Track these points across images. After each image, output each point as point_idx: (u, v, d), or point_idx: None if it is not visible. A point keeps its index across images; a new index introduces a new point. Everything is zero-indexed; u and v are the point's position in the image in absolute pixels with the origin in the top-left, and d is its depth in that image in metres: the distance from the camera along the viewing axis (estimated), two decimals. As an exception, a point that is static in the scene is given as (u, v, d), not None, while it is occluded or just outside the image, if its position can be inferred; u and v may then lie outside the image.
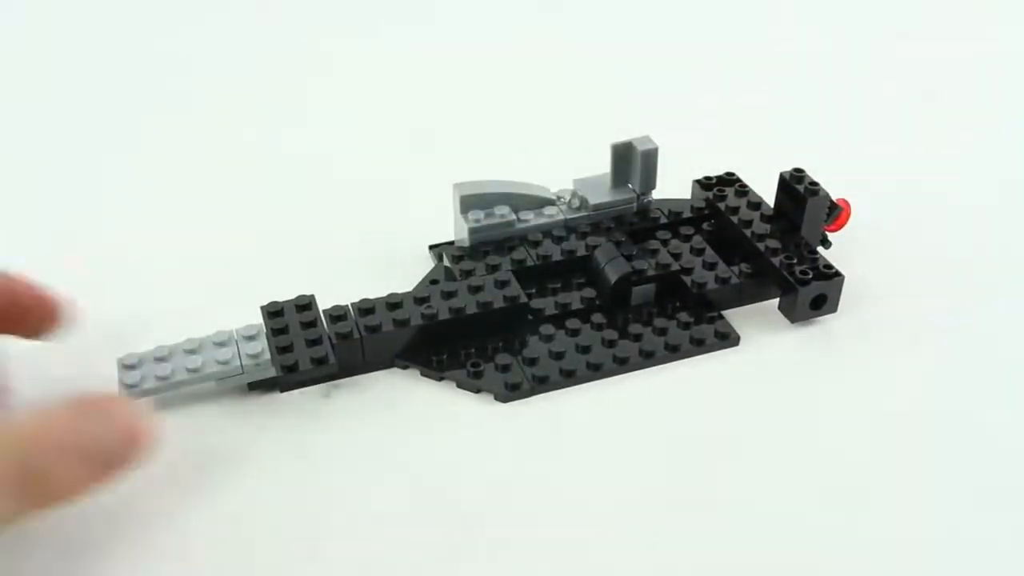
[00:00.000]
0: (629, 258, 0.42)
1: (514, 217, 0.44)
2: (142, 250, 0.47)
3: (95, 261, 0.46)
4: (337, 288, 0.40)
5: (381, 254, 0.46)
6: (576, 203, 0.45)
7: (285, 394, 0.38)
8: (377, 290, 0.40)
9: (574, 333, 0.40)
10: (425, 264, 0.45)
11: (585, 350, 0.40)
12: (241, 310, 0.39)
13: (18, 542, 0.32)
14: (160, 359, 0.37)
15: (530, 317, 0.41)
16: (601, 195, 0.45)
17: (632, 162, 0.44)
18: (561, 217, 0.44)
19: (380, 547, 0.32)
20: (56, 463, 0.29)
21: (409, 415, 0.38)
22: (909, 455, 0.36)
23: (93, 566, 0.32)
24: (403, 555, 0.32)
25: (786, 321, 0.41)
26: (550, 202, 0.45)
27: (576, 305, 0.41)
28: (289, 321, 0.38)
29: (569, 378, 0.39)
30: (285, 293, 0.40)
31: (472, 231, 0.43)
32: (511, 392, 0.38)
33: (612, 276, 0.41)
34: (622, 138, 0.44)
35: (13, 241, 0.47)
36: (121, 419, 0.31)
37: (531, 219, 0.44)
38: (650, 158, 0.43)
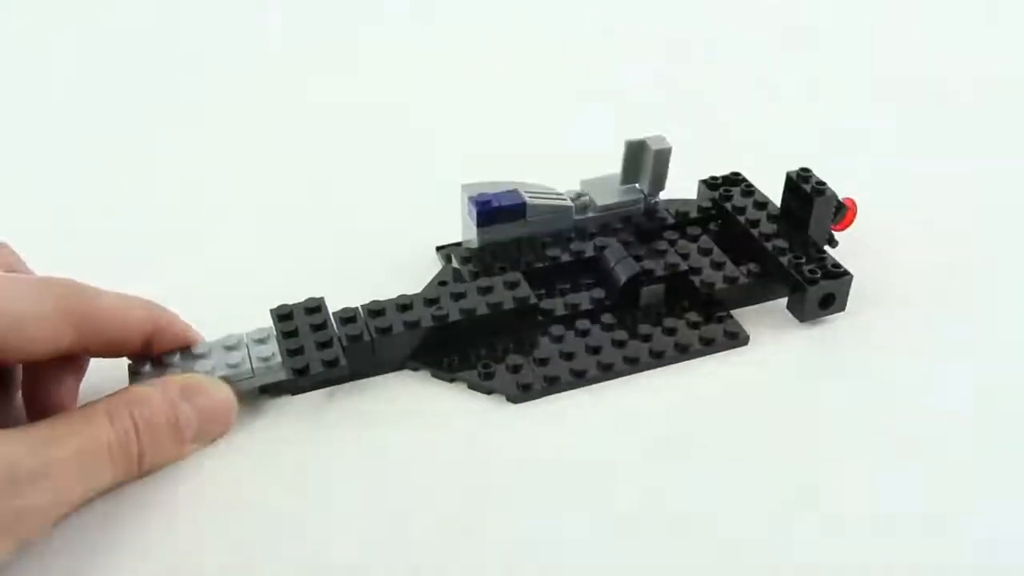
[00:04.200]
0: (638, 259, 0.42)
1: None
2: (149, 253, 0.46)
3: (103, 265, 0.45)
4: (343, 290, 0.40)
5: (388, 255, 0.46)
6: (583, 204, 0.45)
7: (296, 397, 0.38)
8: (384, 292, 0.40)
9: (584, 334, 0.40)
10: (432, 266, 0.45)
11: (595, 351, 0.40)
12: (251, 313, 0.39)
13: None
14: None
15: (540, 318, 0.41)
16: (608, 196, 0.45)
17: (643, 161, 0.44)
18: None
19: (391, 548, 0.32)
20: (151, 439, 0.33)
21: (421, 417, 0.37)
22: (916, 454, 0.36)
23: (97, 566, 0.32)
24: (414, 556, 0.32)
25: (795, 320, 0.42)
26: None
27: (586, 306, 0.41)
28: (299, 324, 0.38)
29: (580, 378, 0.39)
30: (294, 295, 0.39)
31: (480, 232, 0.43)
32: (523, 393, 0.38)
33: (622, 276, 0.41)
34: (626, 138, 0.44)
35: (21, 241, 0.47)
36: (210, 397, 0.35)
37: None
38: (663, 157, 0.43)
